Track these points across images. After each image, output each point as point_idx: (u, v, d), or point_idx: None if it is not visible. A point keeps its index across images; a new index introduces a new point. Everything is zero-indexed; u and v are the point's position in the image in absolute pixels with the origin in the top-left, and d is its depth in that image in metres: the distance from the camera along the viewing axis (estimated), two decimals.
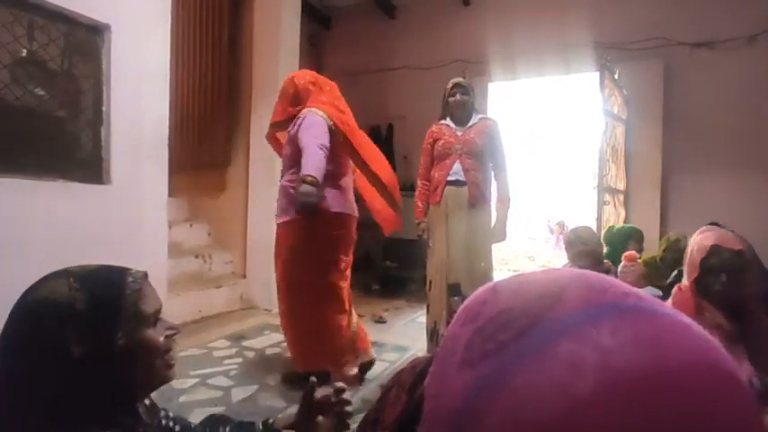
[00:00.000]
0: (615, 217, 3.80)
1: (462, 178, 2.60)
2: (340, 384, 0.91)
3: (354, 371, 2.28)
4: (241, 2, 4.01)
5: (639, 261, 2.16)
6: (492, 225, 2.68)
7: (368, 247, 5.02)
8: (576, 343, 0.23)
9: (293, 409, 0.95)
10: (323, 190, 2.06)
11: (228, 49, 3.98)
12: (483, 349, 0.26)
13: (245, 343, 2.96)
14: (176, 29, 3.19)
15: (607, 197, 3.61)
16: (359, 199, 2.43)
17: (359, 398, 2.18)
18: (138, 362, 0.68)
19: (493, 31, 4.62)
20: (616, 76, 3.77)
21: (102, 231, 2.30)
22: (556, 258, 8.52)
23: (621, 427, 0.21)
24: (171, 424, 0.86)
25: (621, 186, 3.98)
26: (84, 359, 0.62)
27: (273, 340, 3.01)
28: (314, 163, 1.98)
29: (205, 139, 4.03)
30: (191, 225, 3.96)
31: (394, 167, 5.07)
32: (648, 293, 0.28)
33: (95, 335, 0.64)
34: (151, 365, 0.70)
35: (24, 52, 2.13)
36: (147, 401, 0.79)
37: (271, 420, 0.95)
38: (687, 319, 0.25)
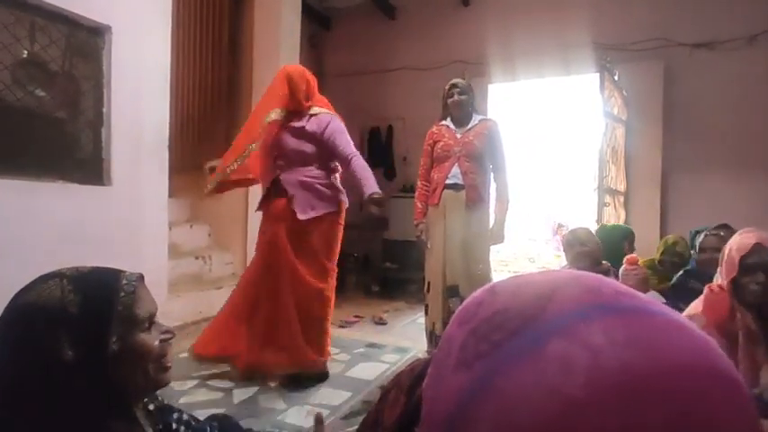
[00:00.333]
0: (615, 218, 3.80)
1: (461, 181, 2.60)
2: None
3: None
4: (241, 3, 4.01)
5: (641, 264, 2.14)
6: (490, 227, 2.69)
7: (368, 249, 5.03)
8: (568, 342, 0.23)
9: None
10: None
11: (229, 50, 3.98)
12: (477, 350, 0.26)
13: None
14: (176, 30, 3.19)
15: (607, 198, 3.61)
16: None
17: (359, 400, 2.18)
18: (132, 366, 0.67)
19: (493, 33, 4.62)
20: (616, 78, 3.77)
21: (102, 232, 2.30)
22: (556, 260, 8.51)
23: (612, 427, 0.20)
24: (182, 429, 0.84)
25: (622, 187, 3.99)
26: (76, 363, 0.61)
27: None
28: (373, 179, 2.21)
29: (205, 139, 4.03)
30: (191, 226, 3.95)
31: (394, 169, 5.12)
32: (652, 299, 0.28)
33: (87, 338, 0.63)
34: (145, 370, 0.69)
35: (25, 53, 2.14)
36: (152, 405, 0.78)
37: None
38: (682, 320, 0.25)
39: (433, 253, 2.68)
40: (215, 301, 3.63)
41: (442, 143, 2.67)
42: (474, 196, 2.60)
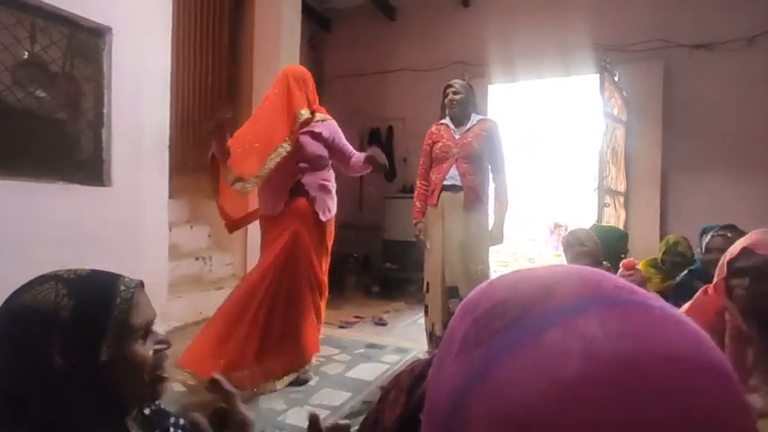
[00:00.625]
0: (615, 218, 3.80)
1: (459, 183, 2.60)
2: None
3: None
4: (241, 4, 4.02)
5: (638, 267, 2.13)
6: (489, 227, 2.69)
7: (368, 249, 5.03)
8: (564, 332, 0.24)
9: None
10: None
11: (229, 50, 3.99)
12: (477, 338, 0.27)
13: None
14: (177, 31, 3.20)
15: (607, 199, 3.61)
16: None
17: (359, 400, 2.18)
18: (126, 375, 0.64)
19: (493, 33, 4.63)
20: (616, 78, 3.78)
21: (102, 233, 2.30)
22: (556, 260, 8.51)
23: (611, 423, 0.21)
24: None
25: (622, 188, 3.99)
26: (70, 368, 0.59)
27: None
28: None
29: (206, 140, 4.03)
30: (191, 227, 3.96)
31: (394, 169, 5.12)
32: None
33: (80, 344, 0.61)
34: (138, 380, 0.66)
35: (26, 54, 2.14)
36: (148, 410, 0.75)
37: None
38: (680, 314, 0.25)
39: (432, 253, 2.68)
40: (215, 301, 3.62)
41: (440, 144, 2.67)
42: (472, 198, 2.60)
